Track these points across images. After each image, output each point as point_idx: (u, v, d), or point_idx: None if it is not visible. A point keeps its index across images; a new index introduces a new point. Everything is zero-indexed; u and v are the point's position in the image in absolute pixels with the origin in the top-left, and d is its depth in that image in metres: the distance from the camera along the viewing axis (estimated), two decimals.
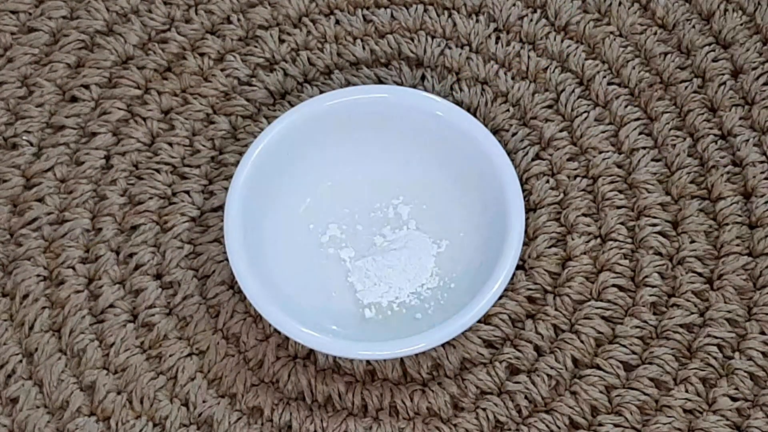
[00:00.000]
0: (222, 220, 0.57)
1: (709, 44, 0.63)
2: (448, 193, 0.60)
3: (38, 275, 0.60)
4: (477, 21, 0.64)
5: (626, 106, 0.62)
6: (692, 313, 0.57)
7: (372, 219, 0.60)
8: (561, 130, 0.62)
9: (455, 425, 0.56)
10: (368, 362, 0.57)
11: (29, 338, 0.59)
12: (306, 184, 0.60)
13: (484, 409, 0.56)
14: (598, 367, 0.57)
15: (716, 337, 0.57)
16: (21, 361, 0.58)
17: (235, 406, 0.57)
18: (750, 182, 0.60)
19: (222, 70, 0.64)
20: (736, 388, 0.56)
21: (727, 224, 0.59)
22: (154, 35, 0.66)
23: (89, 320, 0.59)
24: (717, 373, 0.56)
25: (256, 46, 0.65)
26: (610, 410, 0.56)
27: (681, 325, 0.57)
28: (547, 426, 0.56)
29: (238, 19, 0.66)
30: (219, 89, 0.64)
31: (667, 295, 0.58)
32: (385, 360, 0.57)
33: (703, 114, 0.62)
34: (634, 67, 0.63)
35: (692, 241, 0.59)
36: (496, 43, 0.64)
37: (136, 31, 0.66)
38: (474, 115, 0.61)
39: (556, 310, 0.58)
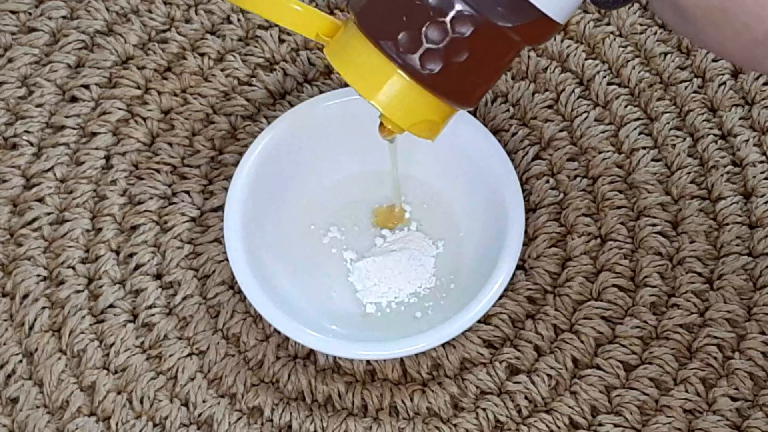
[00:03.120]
0: (222, 220, 0.57)
1: None
2: (448, 194, 0.60)
3: (38, 275, 0.60)
4: None
5: (626, 106, 0.62)
6: (692, 313, 0.57)
7: (372, 219, 0.60)
8: (561, 130, 0.62)
9: (455, 425, 0.56)
10: (368, 362, 0.57)
11: (29, 338, 0.59)
12: (306, 184, 0.60)
13: (484, 409, 0.56)
14: (598, 367, 0.57)
15: (716, 337, 0.57)
16: (21, 361, 0.58)
17: (235, 406, 0.57)
18: (750, 182, 0.60)
19: (222, 70, 0.64)
20: (736, 388, 0.56)
21: (727, 224, 0.59)
22: (154, 35, 0.66)
23: (89, 320, 0.59)
24: (717, 373, 0.56)
25: (256, 46, 0.65)
26: (610, 410, 0.56)
27: (681, 325, 0.57)
28: (547, 426, 0.56)
29: (238, 19, 0.66)
30: (219, 89, 0.64)
31: (667, 295, 0.58)
32: (385, 360, 0.57)
33: (703, 114, 0.62)
34: (634, 67, 0.63)
35: (692, 241, 0.59)
36: None
37: (136, 31, 0.66)
38: (474, 115, 0.61)
39: (556, 310, 0.58)
